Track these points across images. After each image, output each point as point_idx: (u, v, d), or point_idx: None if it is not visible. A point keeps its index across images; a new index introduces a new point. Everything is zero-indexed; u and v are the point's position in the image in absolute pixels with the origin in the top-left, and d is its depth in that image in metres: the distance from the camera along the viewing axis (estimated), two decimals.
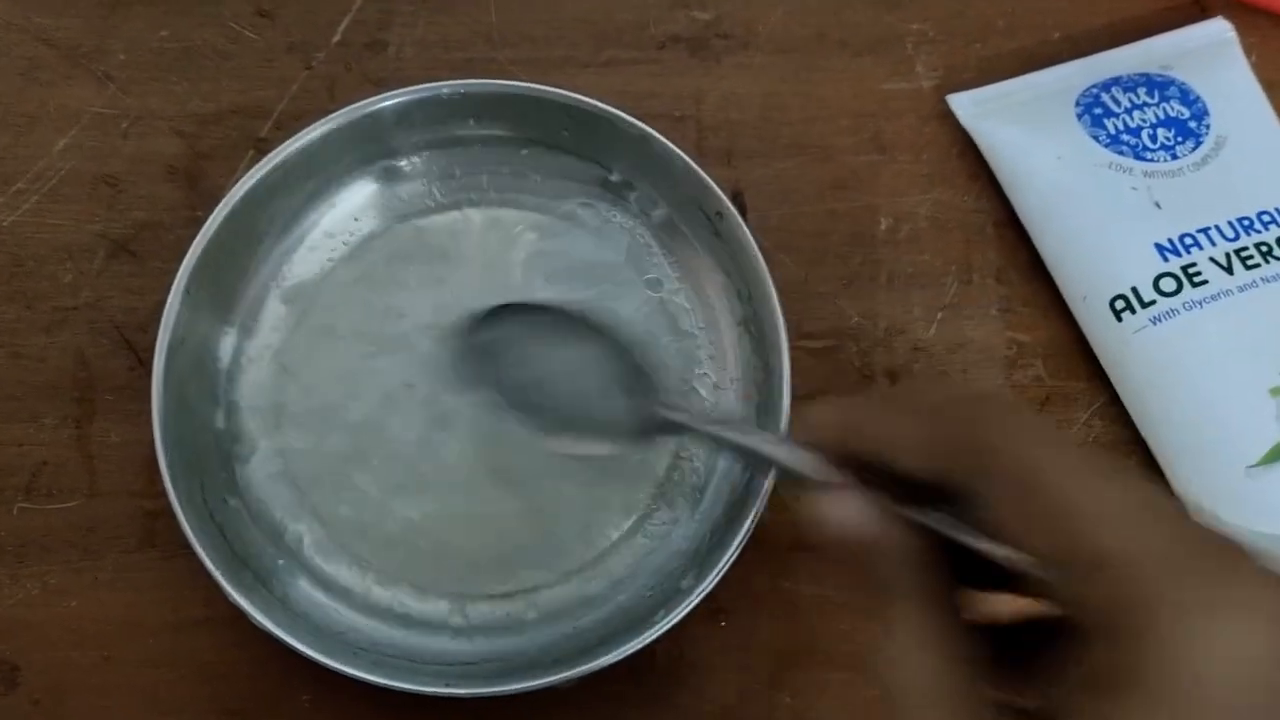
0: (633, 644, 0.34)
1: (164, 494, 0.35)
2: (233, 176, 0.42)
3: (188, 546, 0.34)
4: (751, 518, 0.35)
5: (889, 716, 0.23)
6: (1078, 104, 0.42)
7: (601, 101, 0.39)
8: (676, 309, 0.41)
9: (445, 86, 0.40)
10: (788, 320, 0.37)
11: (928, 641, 0.23)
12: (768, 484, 0.35)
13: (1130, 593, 0.21)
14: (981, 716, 0.22)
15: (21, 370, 0.40)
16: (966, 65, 0.45)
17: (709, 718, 0.38)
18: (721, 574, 0.34)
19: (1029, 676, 0.23)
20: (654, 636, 0.34)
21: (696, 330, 0.41)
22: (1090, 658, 0.21)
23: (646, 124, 0.39)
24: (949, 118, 0.44)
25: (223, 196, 0.38)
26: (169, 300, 0.37)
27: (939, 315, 0.42)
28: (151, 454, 0.35)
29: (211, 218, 0.38)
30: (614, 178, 0.41)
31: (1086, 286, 0.40)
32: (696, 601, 0.34)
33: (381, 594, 0.38)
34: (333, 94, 0.44)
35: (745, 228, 0.38)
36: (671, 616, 0.34)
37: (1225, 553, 0.22)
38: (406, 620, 0.38)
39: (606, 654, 0.34)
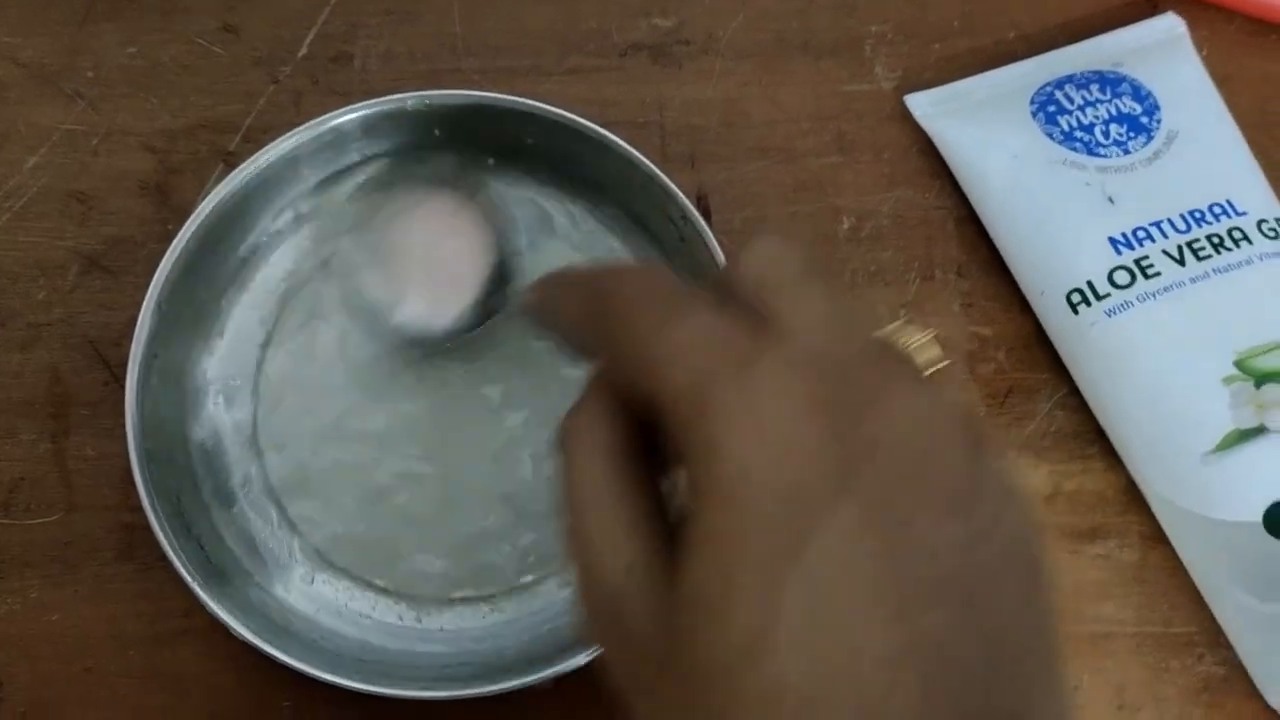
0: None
1: (140, 507, 0.35)
2: (203, 190, 0.43)
3: (166, 558, 0.35)
4: None
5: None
6: (1032, 102, 0.43)
7: (565, 109, 0.40)
8: None
9: (410, 98, 0.40)
10: None
11: (604, 423, 0.24)
12: None
13: (692, 411, 0.22)
14: (639, 505, 0.23)
15: None
16: (925, 66, 0.46)
17: None
18: None
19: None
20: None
21: None
22: (682, 476, 0.22)
23: (611, 131, 0.39)
24: (908, 118, 0.45)
25: (193, 210, 0.38)
26: (141, 315, 0.37)
27: (902, 312, 0.43)
28: (128, 467, 0.36)
29: (182, 232, 0.38)
30: (579, 184, 0.42)
31: (1043, 281, 0.41)
32: None
33: (360, 600, 0.38)
34: (299, 107, 0.44)
35: (708, 231, 0.39)
36: None
37: (745, 345, 0.22)
38: (385, 625, 0.38)
39: (584, 652, 0.35)
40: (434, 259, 0.38)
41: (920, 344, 0.32)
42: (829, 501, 0.21)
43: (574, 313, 0.26)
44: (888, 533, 0.21)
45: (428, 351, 0.40)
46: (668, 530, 0.23)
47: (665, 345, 0.23)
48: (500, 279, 0.38)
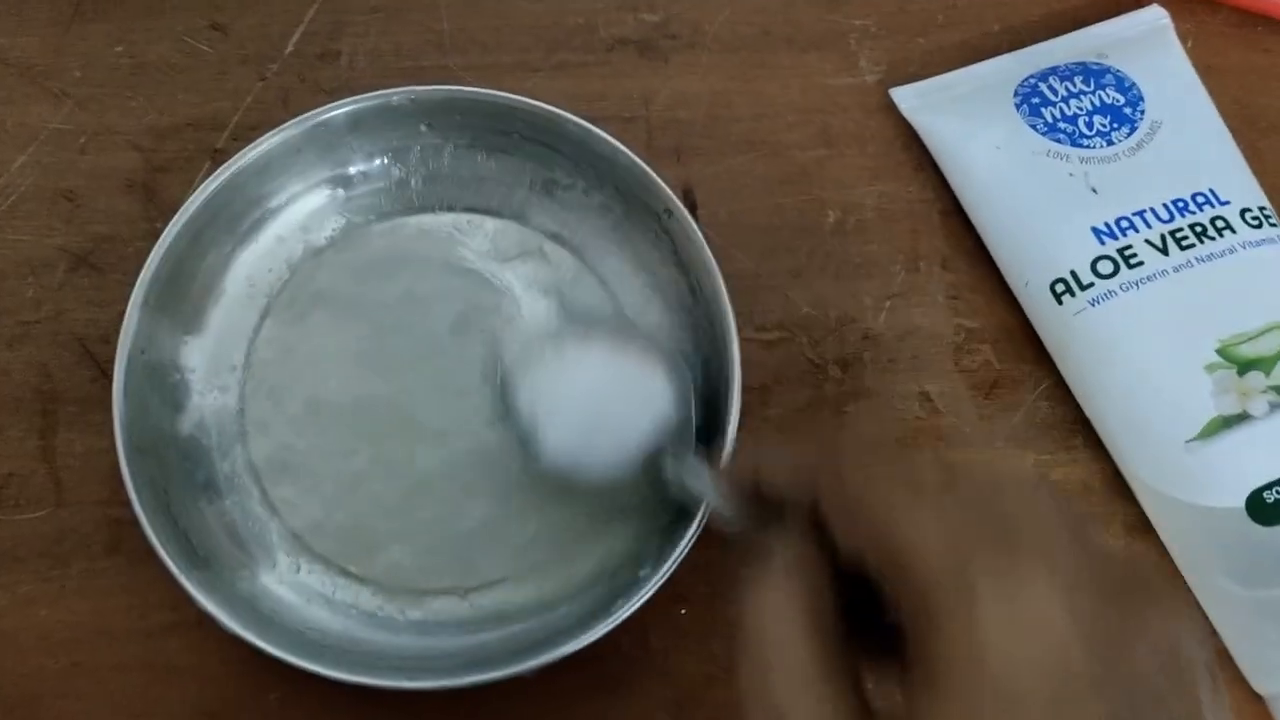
0: (593, 633, 0.35)
1: (128, 502, 0.35)
2: (190, 188, 0.43)
3: (153, 552, 0.35)
4: (705, 507, 0.36)
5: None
6: (1016, 94, 0.43)
7: (550, 104, 0.40)
8: (630, 306, 0.41)
9: (396, 93, 0.40)
10: (739, 313, 0.38)
11: (804, 605, 0.25)
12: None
13: (924, 595, 0.23)
14: (837, 694, 0.24)
15: None
16: (909, 59, 0.46)
17: (672, 704, 0.38)
18: (678, 562, 0.35)
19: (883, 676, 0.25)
20: (613, 625, 0.35)
21: (650, 327, 0.41)
22: (909, 659, 0.23)
23: (597, 125, 0.40)
24: (893, 111, 0.45)
25: (180, 207, 0.39)
26: (128, 311, 0.37)
27: (887, 304, 0.43)
28: (116, 462, 0.36)
29: (168, 229, 0.38)
30: (565, 178, 0.42)
31: (1028, 271, 0.41)
32: (654, 590, 0.35)
33: (347, 591, 0.38)
34: (287, 104, 0.44)
35: (693, 224, 0.39)
36: (630, 605, 0.35)
37: (1003, 536, 0.24)
38: (371, 617, 0.38)
39: (568, 643, 0.35)
40: (614, 397, 0.37)
41: None
42: (1084, 706, 0.22)
43: (786, 479, 0.28)
44: None
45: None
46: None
47: (920, 527, 0.24)
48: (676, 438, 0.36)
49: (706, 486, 0.34)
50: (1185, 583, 0.38)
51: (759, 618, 0.25)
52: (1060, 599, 0.22)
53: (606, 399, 0.37)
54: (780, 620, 0.25)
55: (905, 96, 0.44)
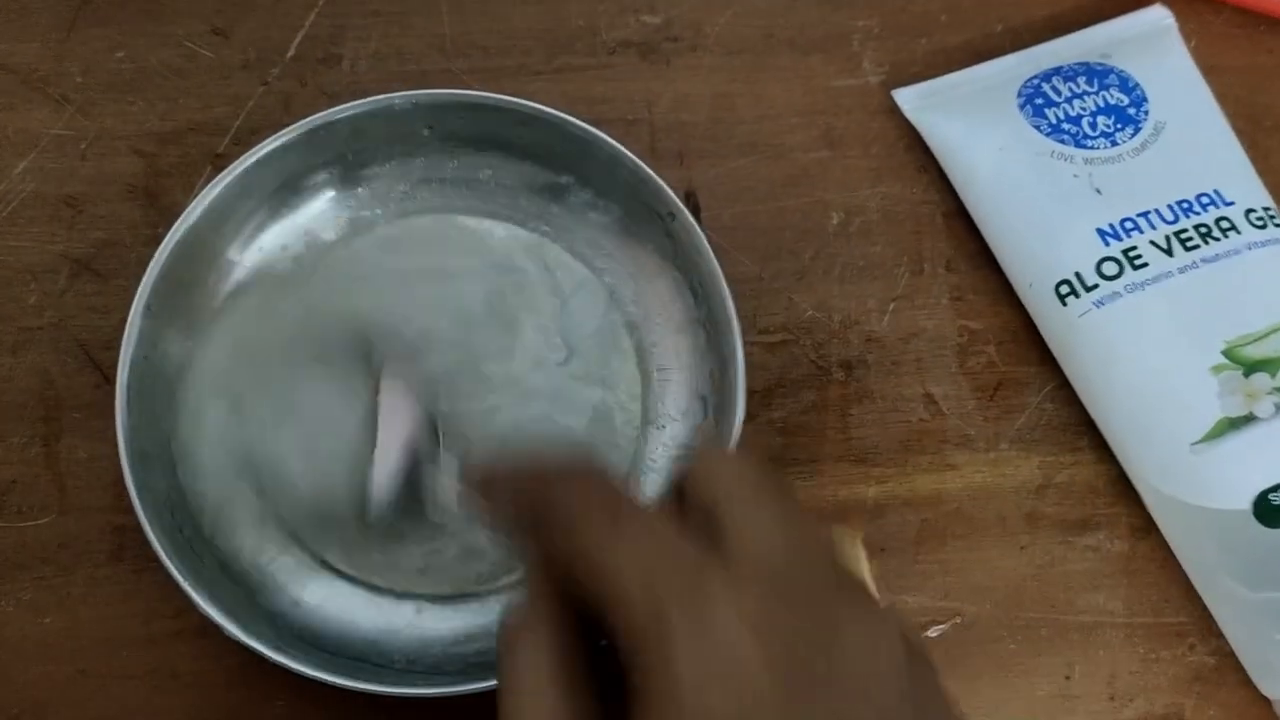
0: None
1: (132, 509, 0.35)
2: (192, 193, 0.43)
3: (157, 559, 0.35)
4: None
5: None
6: (1019, 95, 0.43)
7: (553, 107, 0.40)
8: (633, 310, 0.41)
9: (398, 97, 0.40)
10: (743, 316, 0.38)
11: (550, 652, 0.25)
12: None
13: (628, 628, 0.23)
14: None
15: None
16: (912, 60, 0.46)
17: None
18: None
19: None
20: None
21: (654, 330, 0.41)
22: (630, 689, 0.23)
23: (600, 128, 0.40)
24: (896, 112, 0.45)
25: (182, 213, 0.39)
26: (130, 317, 0.37)
27: (891, 306, 0.43)
28: (119, 469, 0.36)
29: (170, 234, 0.38)
30: (567, 181, 0.42)
31: (1032, 273, 0.41)
32: None
33: (353, 596, 0.38)
34: (288, 108, 0.44)
35: (697, 226, 0.39)
36: None
37: (699, 563, 0.23)
38: (378, 621, 0.38)
39: None
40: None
41: (856, 556, 0.33)
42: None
43: (515, 508, 0.27)
44: None
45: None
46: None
47: (617, 556, 0.24)
48: (425, 458, 0.37)
49: (449, 501, 0.35)
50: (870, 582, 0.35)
51: (510, 669, 0.25)
52: (748, 618, 0.22)
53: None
54: (530, 671, 0.24)
55: (908, 98, 0.44)
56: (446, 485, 0.35)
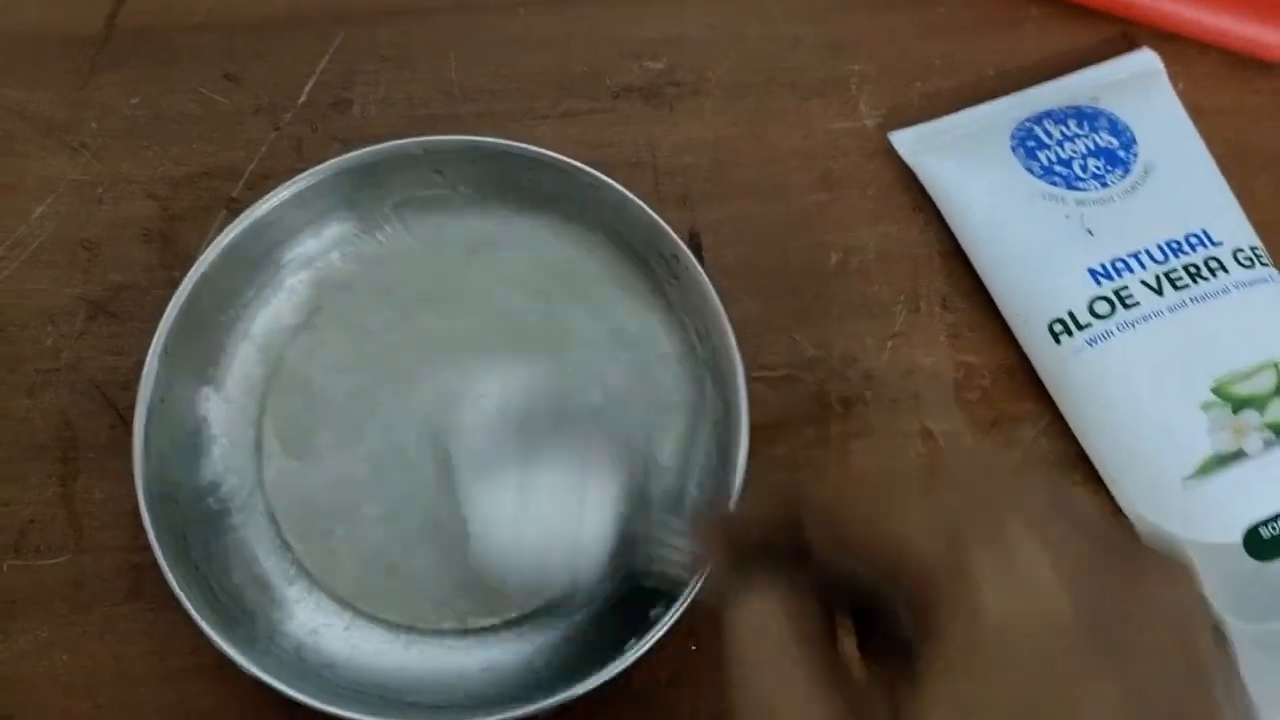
0: (606, 672, 0.35)
1: (149, 547, 0.36)
2: (206, 237, 0.44)
3: (174, 597, 0.36)
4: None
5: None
6: (1012, 137, 0.44)
7: (559, 152, 0.41)
8: (640, 354, 0.42)
9: (410, 143, 0.41)
10: (745, 354, 0.39)
11: (788, 624, 0.25)
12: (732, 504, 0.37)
13: (921, 580, 0.24)
14: (824, 678, 0.24)
15: (6, 432, 0.42)
16: (908, 103, 0.47)
17: None
18: (690, 600, 0.36)
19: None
20: (626, 664, 0.35)
21: (659, 372, 0.42)
22: (915, 643, 0.24)
23: (605, 172, 0.41)
24: (892, 154, 0.46)
25: (197, 257, 0.39)
26: (148, 360, 0.38)
27: (890, 343, 0.44)
28: (136, 508, 0.37)
29: (187, 278, 0.39)
30: (573, 224, 0.43)
31: (1026, 311, 0.42)
32: (666, 628, 0.36)
33: (366, 633, 0.39)
34: (300, 153, 0.45)
35: (699, 268, 0.40)
36: (642, 644, 0.36)
37: (989, 513, 0.24)
38: (390, 658, 0.39)
39: (580, 682, 0.35)
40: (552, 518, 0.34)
41: None
42: (1086, 666, 0.22)
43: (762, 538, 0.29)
44: (1148, 706, 0.22)
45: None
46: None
47: (908, 523, 0.24)
48: (629, 539, 0.34)
49: (681, 569, 0.33)
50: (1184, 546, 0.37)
51: (743, 647, 0.25)
52: (1049, 561, 0.23)
53: (551, 528, 0.34)
54: (766, 643, 0.25)
55: (904, 140, 0.46)
56: (674, 550, 0.33)
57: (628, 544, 0.34)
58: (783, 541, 0.28)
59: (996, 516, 0.24)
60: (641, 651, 0.36)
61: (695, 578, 0.33)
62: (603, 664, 0.36)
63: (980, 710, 0.22)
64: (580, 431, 0.36)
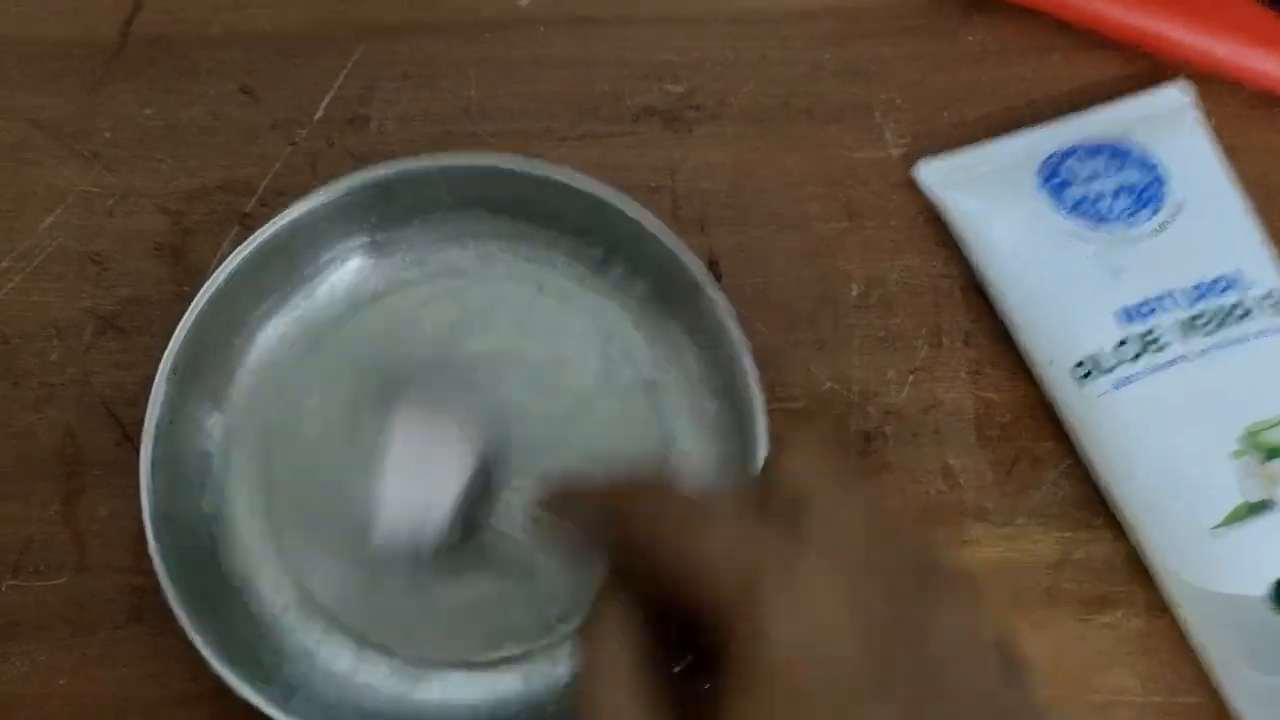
0: None
1: (152, 570, 0.35)
2: (218, 252, 0.43)
3: (176, 622, 0.35)
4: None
5: None
6: (1039, 173, 0.43)
7: (577, 173, 0.40)
8: (655, 383, 0.42)
9: (427, 161, 0.41)
10: (761, 386, 0.38)
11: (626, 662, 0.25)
12: None
13: (717, 609, 0.24)
14: None
15: (9, 447, 0.41)
16: (934, 132, 0.46)
17: None
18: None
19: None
20: None
21: (675, 402, 0.41)
22: (720, 671, 0.24)
23: (623, 195, 0.40)
24: (916, 186, 0.45)
25: (208, 272, 0.39)
26: (156, 382, 0.37)
27: (910, 378, 0.43)
28: (139, 528, 0.36)
29: (197, 298, 0.38)
30: (594, 250, 0.42)
31: (1050, 351, 0.41)
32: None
33: (370, 664, 0.38)
34: (315, 169, 0.45)
35: (721, 297, 0.39)
36: None
37: (789, 541, 0.24)
38: (394, 690, 0.38)
39: None
40: (411, 471, 0.36)
41: None
42: (870, 700, 0.22)
43: (594, 520, 0.28)
44: None
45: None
46: None
47: (704, 539, 0.24)
48: (484, 490, 0.36)
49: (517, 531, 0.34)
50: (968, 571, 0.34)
51: (589, 660, 0.26)
52: (838, 596, 0.23)
53: (414, 467, 0.36)
54: (607, 659, 0.25)
55: (929, 174, 0.45)
56: (516, 513, 0.34)
57: (476, 500, 0.35)
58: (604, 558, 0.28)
59: (795, 548, 0.24)
60: None
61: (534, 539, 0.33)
62: None
63: None
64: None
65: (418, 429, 0.36)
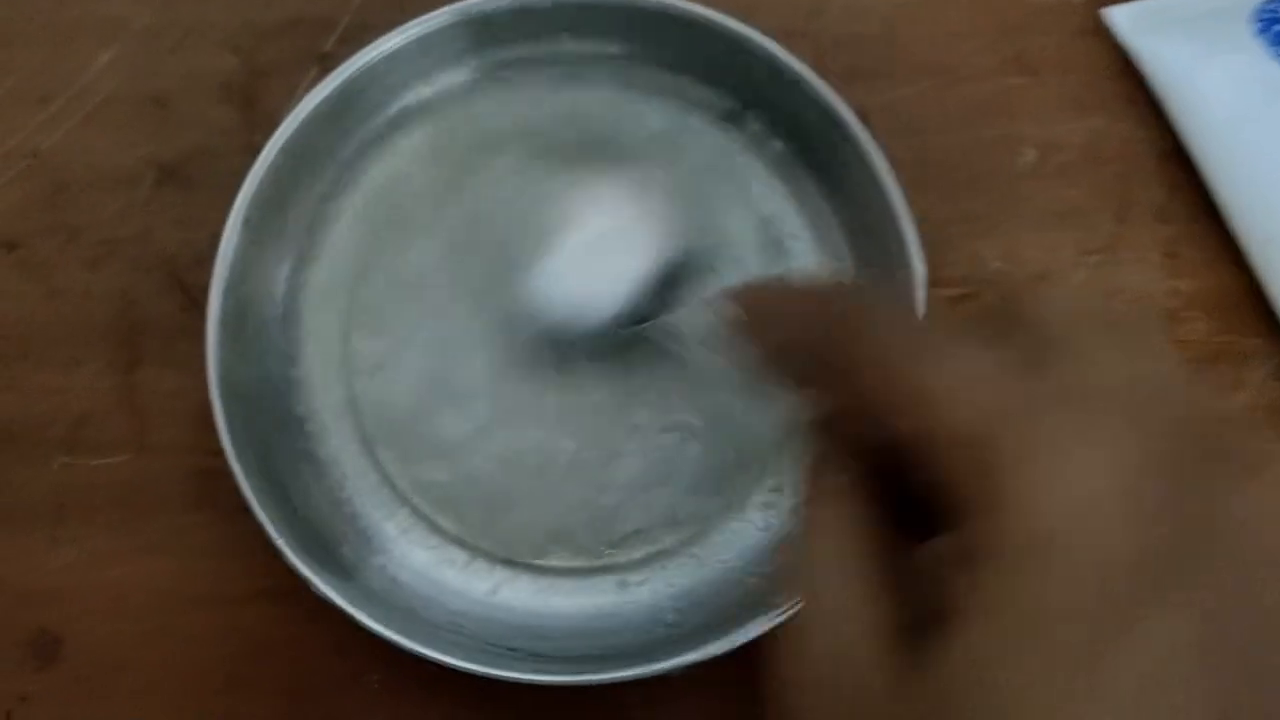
0: (750, 629, 0.30)
1: (220, 450, 0.31)
2: (293, 97, 0.38)
3: (246, 509, 0.30)
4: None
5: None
6: (1257, 19, 0.37)
7: (707, 8, 0.34)
8: (793, 250, 0.36)
9: None
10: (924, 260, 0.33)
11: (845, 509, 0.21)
12: None
13: (980, 458, 0.18)
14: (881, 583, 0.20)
15: (60, 309, 0.36)
16: None
17: None
18: None
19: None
20: (776, 621, 0.30)
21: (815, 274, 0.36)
22: (960, 535, 0.18)
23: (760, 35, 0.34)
24: (1103, 33, 0.39)
25: (281, 119, 0.34)
26: (225, 233, 0.32)
27: (1091, 260, 0.37)
28: (206, 405, 0.31)
29: (271, 142, 0.33)
30: (727, 99, 0.36)
31: (1267, 228, 0.35)
32: None
33: (465, 565, 0.34)
34: (403, 4, 0.39)
35: (879, 157, 0.33)
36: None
37: (1051, 392, 0.19)
38: (492, 593, 0.33)
39: (718, 640, 0.30)
40: (594, 246, 0.32)
41: None
42: (1162, 594, 0.17)
43: (795, 334, 0.22)
44: (1232, 655, 0.17)
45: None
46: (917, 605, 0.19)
47: (937, 376, 0.19)
48: (669, 280, 0.32)
49: (697, 339, 0.29)
50: None
51: (811, 550, 0.21)
52: (1115, 455, 0.18)
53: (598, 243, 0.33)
54: (830, 546, 0.21)
55: (1121, 17, 0.38)
56: (697, 319, 0.29)
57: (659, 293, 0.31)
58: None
59: (1057, 395, 0.18)
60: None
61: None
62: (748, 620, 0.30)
63: (1027, 626, 0.17)
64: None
65: (611, 202, 0.32)
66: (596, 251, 0.32)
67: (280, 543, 0.30)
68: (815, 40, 0.39)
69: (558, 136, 0.37)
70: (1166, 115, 0.37)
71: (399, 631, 0.30)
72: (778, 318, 0.23)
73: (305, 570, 0.30)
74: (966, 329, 0.21)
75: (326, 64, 0.38)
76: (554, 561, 0.34)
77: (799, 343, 0.22)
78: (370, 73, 0.35)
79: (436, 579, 0.33)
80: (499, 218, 0.36)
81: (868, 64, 0.39)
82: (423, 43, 0.35)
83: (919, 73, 0.39)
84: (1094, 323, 0.20)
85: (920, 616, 0.19)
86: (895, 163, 0.37)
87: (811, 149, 0.36)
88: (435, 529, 0.34)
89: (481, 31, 0.36)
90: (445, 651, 0.30)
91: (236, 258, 0.33)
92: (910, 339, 0.20)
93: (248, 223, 0.33)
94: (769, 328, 0.23)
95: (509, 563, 0.34)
